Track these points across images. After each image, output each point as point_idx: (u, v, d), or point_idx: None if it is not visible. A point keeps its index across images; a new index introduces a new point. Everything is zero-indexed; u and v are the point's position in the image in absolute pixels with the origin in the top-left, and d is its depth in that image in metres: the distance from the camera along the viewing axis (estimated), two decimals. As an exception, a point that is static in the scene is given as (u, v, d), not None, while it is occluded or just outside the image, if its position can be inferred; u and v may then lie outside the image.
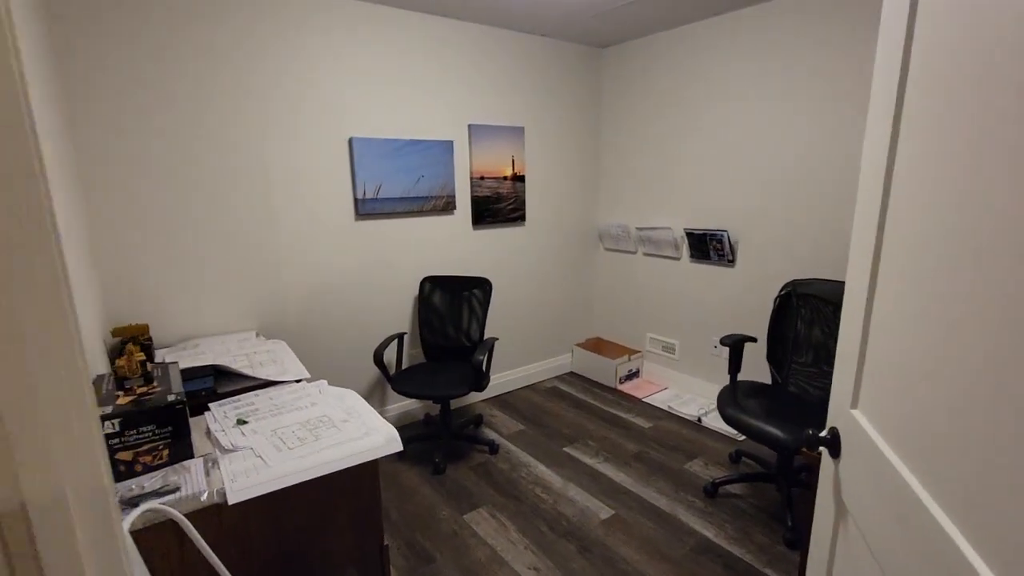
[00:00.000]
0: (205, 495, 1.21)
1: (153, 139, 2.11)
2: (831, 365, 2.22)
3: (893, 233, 0.83)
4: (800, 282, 2.34)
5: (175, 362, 1.67)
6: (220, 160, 2.26)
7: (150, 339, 1.99)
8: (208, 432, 1.53)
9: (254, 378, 1.89)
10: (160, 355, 2.07)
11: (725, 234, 2.95)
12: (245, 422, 1.56)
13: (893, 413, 0.81)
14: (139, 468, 1.28)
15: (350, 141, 2.59)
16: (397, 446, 1.48)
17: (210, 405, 1.68)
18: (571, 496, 2.36)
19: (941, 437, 0.67)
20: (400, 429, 3.01)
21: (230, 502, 1.22)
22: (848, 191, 2.47)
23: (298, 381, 1.90)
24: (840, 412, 1.00)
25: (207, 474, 1.29)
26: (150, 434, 1.29)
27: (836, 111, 2.46)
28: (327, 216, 2.59)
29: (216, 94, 2.21)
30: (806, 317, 2.32)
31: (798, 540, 2.02)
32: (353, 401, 1.71)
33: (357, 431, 1.50)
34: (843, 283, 2.20)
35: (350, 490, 1.46)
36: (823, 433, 1.05)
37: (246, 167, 2.33)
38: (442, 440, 2.68)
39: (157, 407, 1.29)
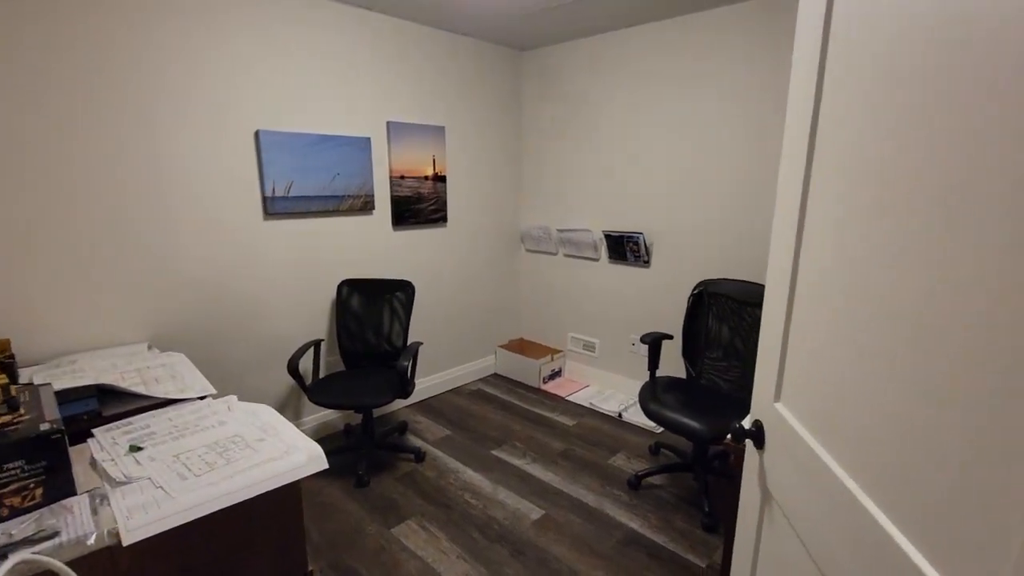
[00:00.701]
0: (93, 537, 1.05)
1: (16, 137, 1.80)
2: (740, 360, 2.39)
3: (810, 236, 0.89)
4: (711, 282, 2.50)
5: (47, 383, 1.44)
6: (101, 156, 1.99)
7: (12, 356, 1.70)
8: (94, 463, 1.33)
9: (148, 397, 1.68)
10: (27, 375, 1.77)
11: (641, 236, 3.09)
12: (140, 448, 1.38)
13: (814, 404, 0.87)
14: (5, 512, 1.08)
15: (256, 134, 2.39)
16: (322, 464, 1.38)
17: (95, 431, 1.47)
18: (501, 499, 2.34)
19: (859, 424, 0.72)
20: (318, 441, 2.82)
21: (125, 543, 1.06)
22: (757, 196, 2.67)
23: (202, 398, 1.71)
24: (764, 405, 1.07)
25: (95, 512, 1.12)
26: (18, 472, 1.09)
27: (746, 121, 2.65)
28: (232, 216, 2.37)
29: (95, 86, 1.94)
30: (717, 315, 2.48)
31: (715, 524, 2.15)
32: (268, 417, 1.57)
33: (276, 450, 1.37)
34: (751, 283, 2.38)
35: (270, 516, 1.34)
36: (748, 426, 1.11)
37: (133, 162, 2.07)
38: (365, 451, 2.55)
39: (25, 439, 1.10)
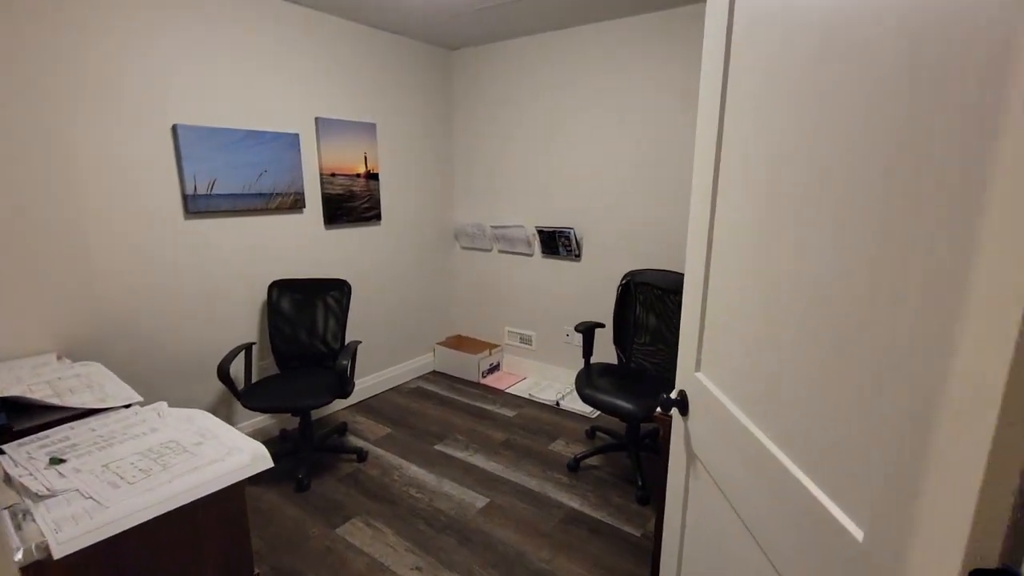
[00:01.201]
0: (20, 553, 0.99)
1: None
2: (665, 343, 2.58)
3: (720, 228, 1.01)
4: (636, 272, 2.67)
5: (-52, 398, 1.32)
6: (1, 152, 1.82)
7: None
8: (8, 478, 1.24)
9: (64, 408, 1.57)
10: (-87, 393, 1.60)
11: (572, 231, 3.22)
12: (61, 460, 1.30)
13: (728, 371, 0.99)
14: (-90, 537, 0.99)
15: (174, 128, 2.27)
16: (267, 462, 1.36)
17: (4, 447, 1.36)
18: (446, 491, 2.38)
19: (767, 387, 0.84)
20: (251, 450, 2.72)
21: (56, 556, 1.01)
22: (676, 191, 2.87)
23: (127, 406, 1.62)
24: (687, 376, 1.19)
25: (18, 528, 1.05)
26: (-76, 491, 1.01)
27: (669, 122, 2.84)
28: (150, 214, 2.24)
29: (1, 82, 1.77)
30: (643, 303, 2.66)
31: (648, 497, 2.31)
32: (204, 421, 1.52)
33: (216, 452, 1.34)
34: (672, 272, 2.57)
35: (213, 520, 1.30)
36: (674, 396, 1.24)
37: (41, 159, 1.91)
38: (303, 455, 2.50)
39: (-67, 456, 1.01)
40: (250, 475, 1.32)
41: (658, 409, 1.49)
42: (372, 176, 3.17)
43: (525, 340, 3.69)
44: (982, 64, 0.45)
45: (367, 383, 3.38)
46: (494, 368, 3.75)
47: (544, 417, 3.13)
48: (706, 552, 1.13)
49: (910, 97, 0.54)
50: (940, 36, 0.50)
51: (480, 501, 2.31)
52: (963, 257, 0.47)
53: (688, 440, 1.20)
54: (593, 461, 2.64)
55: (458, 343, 3.89)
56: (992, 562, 0.47)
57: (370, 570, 1.90)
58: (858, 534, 0.61)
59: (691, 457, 1.19)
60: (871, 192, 0.59)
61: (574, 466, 2.56)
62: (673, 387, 2.09)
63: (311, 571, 1.89)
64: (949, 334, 0.48)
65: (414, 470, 2.55)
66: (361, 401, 3.34)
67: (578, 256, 3.30)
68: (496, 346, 3.77)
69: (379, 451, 2.73)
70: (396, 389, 3.54)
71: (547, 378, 3.62)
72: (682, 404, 1.21)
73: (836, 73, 0.65)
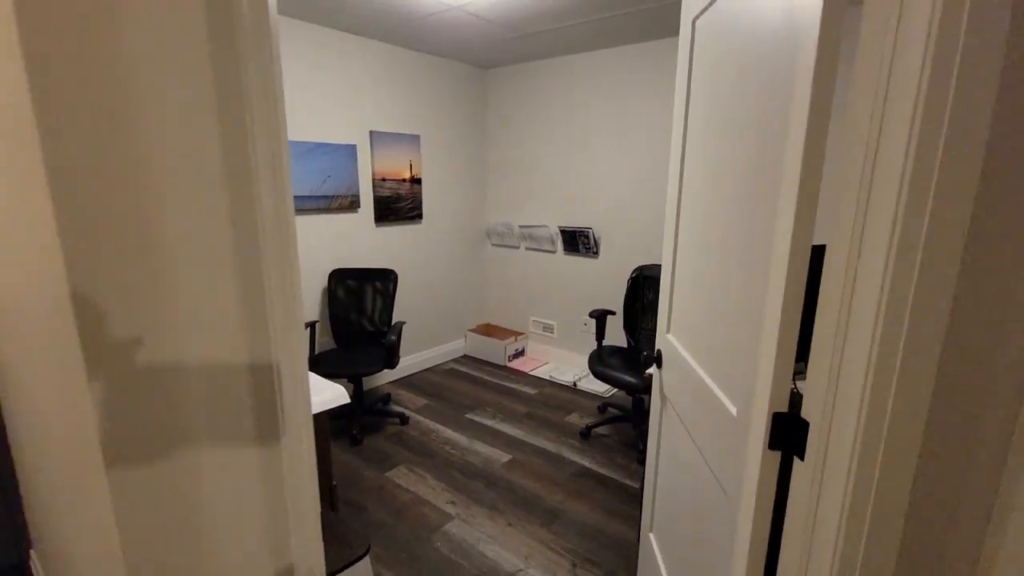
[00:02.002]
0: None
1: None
2: (667, 328, 2.95)
3: (684, 227, 1.41)
4: (645, 267, 3.05)
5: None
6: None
7: None
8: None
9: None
10: None
11: (591, 230, 3.62)
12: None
13: (685, 329, 1.39)
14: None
15: (260, 142, 2.76)
16: (345, 399, 1.81)
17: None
18: (476, 449, 2.81)
19: (700, 335, 1.23)
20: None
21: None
22: (677, 197, 3.24)
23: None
24: (662, 338, 1.59)
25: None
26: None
27: (667, 133, 3.21)
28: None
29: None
30: (649, 293, 3.03)
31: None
32: (295, 371, 1.99)
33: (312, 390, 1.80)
34: (674, 266, 2.94)
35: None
36: (654, 354, 1.63)
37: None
38: (357, 415, 2.97)
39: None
40: (333, 407, 1.78)
41: (648, 371, 1.88)
42: (416, 181, 3.63)
43: (547, 329, 4.10)
44: (781, 111, 0.85)
45: (407, 362, 3.84)
46: (519, 353, 4.17)
47: (562, 395, 3.53)
48: (667, 465, 1.52)
49: (759, 128, 0.93)
50: (771, 92, 0.90)
51: (504, 457, 2.73)
52: (772, 224, 0.86)
53: (662, 387, 1.59)
54: (602, 430, 3.03)
55: (487, 330, 4.33)
56: (784, 409, 0.87)
57: (414, 503, 2.34)
58: (733, 410, 1.01)
59: (664, 399, 1.58)
60: (745, 172, 0.99)
61: (586, 433, 2.95)
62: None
63: (368, 502, 2.34)
64: (765, 284, 0.88)
65: (448, 432, 2.99)
66: (402, 378, 3.80)
67: (596, 253, 3.69)
68: (521, 333, 4.19)
69: (419, 417, 3.18)
70: (432, 369, 4.00)
71: (566, 363, 4.02)
72: (658, 359, 1.60)
73: (735, 109, 1.05)
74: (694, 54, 1.33)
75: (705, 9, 1.25)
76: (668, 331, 1.54)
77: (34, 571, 1.81)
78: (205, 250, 0.76)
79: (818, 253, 0.80)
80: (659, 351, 1.61)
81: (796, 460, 0.87)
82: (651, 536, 1.70)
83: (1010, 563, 0.74)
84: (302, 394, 0.91)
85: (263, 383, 0.86)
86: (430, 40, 3.23)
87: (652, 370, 1.69)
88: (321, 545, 1.00)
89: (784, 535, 0.90)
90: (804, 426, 0.84)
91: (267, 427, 0.88)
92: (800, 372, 0.94)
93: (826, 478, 0.81)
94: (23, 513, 1.80)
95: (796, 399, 0.87)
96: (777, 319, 0.84)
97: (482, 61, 3.78)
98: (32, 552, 1.82)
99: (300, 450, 0.93)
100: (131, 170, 0.68)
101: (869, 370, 0.73)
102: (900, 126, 0.66)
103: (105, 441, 0.71)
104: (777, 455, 0.89)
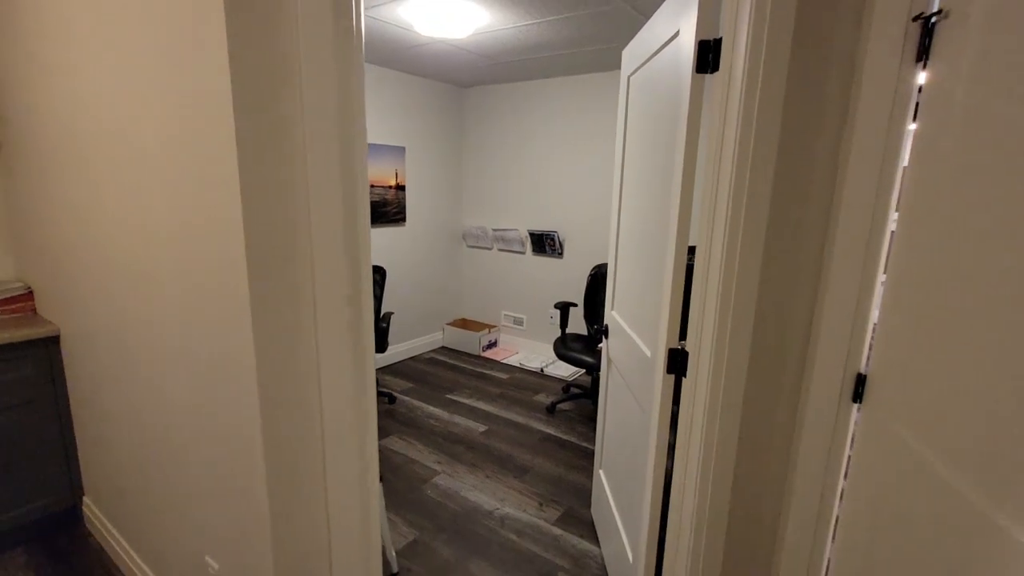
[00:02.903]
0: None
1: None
2: (621, 318, 3.45)
3: (622, 230, 1.89)
4: (602, 265, 3.54)
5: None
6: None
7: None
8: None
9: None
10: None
11: (556, 233, 4.10)
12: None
13: (623, 304, 1.86)
14: None
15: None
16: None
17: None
18: (456, 421, 3.24)
19: (637, 313, 1.71)
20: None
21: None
22: (630, 206, 3.76)
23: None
24: (608, 314, 2.06)
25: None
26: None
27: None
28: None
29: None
30: (605, 288, 3.53)
31: (603, 426, 3.17)
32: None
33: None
34: (626, 264, 3.44)
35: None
36: (603, 328, 2.10)
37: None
38: (350, 395, 3.35)
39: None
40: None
41: (600, 345, 2.35)
42: (400, 188, 4.04)
43: (518, 322, 4.56)
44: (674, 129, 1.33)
45: (391, 351, 4.23)
46: (492, 344, 4.61)
47: (531, 380, 3.99)
48: (612, 411, 1.99)
49: (663, 161, 1.41)
50: (667, 135, 1.38)
51: (481, 427, 3.17)
52: (668, 220, 1.34)
53: (608, 352, 2.06)
54: (566, 406, 3.50)
55: (463, 323, 4.75)
56: (676, 344, 1.35)
57: (406, 463, 2.75)
58: (648, 353, 1.49)
59: (610, 361, 2.06)
60: (662, 190, 1.47)
61: (551, 408, 3.42)
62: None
63: (366, 461, 2.73)
64: (663, 270, 1.36)
65: (432, 409, 3.41)
66: (387, 365, 4.19)
67: (561, 254, 4.18)
68: (494, 326, 4.63)
69: (405, 398, 3.58)
70: (414, 358, 4.40)
71: (535, 352, 4.49)
72: (606, 331, 2.08)
73: (650, 144, 1.53)
74: (629, 101, 1.82)
75: (636, 70, 1.73)
76: (612, 308, 2.02)
77: (86, 515, 2.14)
78: (328, 238, 1.18)
79: (692, 250, 1.29)
80: (606, 325, 2.08)
81: (683, 379, 1.35)
82: (600, 472, 2.17)
83: (813, 411, 1.23)
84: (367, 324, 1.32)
85: (355, 317, 1.27)
86: (416, 64, 3.65)
87: (602, 343, 2.16)
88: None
89: (679, 424, 1.37)
90: (686, 356, 1.32)
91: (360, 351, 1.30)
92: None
93: (698, 386, 1.29)
94: (79, 467, 2.13)
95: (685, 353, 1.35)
96: (670, 291, 1.31)
97: (461, 81, 4.22)
98: (85, 498, 2.15)
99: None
100: (287, 190, 1.10)
101: (716, 319, 1.21)
102: (726, 167, 1.15)
103: (258, 350, 1.12)
104: (671, 377, 1.37)
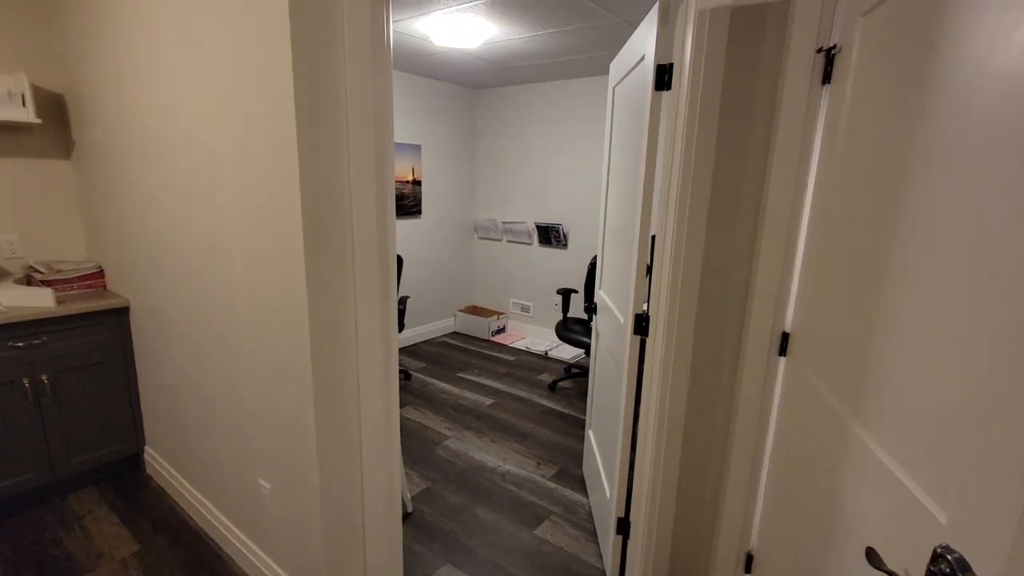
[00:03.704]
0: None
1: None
2: (618, 303, 3.74)
3: (608, 221, 2.18)
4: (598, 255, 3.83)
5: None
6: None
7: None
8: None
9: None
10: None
11: (561, 225, 4.39)
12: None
13: (609, 285, 2.16)
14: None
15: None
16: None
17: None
18: (465, 395, 3.56)
19: (616, 289, 2.01)
20: (330, 371, 3.92)
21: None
22: (629, 200, 4.04)
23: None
24: (597, 294, 2.36)
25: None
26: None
27: (622, 151, 4.01)
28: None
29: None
30: (605, 276, 3.82)
31: (599, 401, 3.47)
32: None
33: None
34: (623, 254, 3.73)
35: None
36: (592, 306, 2.40)
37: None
38: (369, 371, 3.69)
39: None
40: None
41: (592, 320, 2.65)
42: (417, 183, 4.36)
43: (524, 309, 4.87)
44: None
45: (406, 335, 4.57)
46: (501, 329, 4.93)
47: (535, 361, 4.30)
48: (599, 377, 2.29)
49: (634, 161, 1.71)
50: (636, 141, 1.67)
51: (488, 401, 3.49)
52: (634, 221, 1.64)
53: (596, 326, 2.36)
54: (566, 384, 3.81)
55: (474, 310, 5.07)
56: (640, 310, 1.65)
57: (420, 428, 3.08)
58: (622, 319, 1.78)
59: (598, 335, 2.36)
60: (634, 187, 1.76)
61: (552, 386, 3.72)
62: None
63: (384, 426, 3.07)
64: (633, 253, 1.65)
65: (443, 385, 3.74)
66: (403, 348, 4.53)
67: (565, 245, 4.47)
68: (502, 313, 4.95)
69: (419, 375, 3.92)
70: (427, 342, 4.73)
71: (540, 337, 4.80)
72: (595, 308, 2.38)
73: (627, 147, 1.83)
74: (614, 108, 2.11)
75: (618, 82, 2.02)
76: (600, 288, 2.32)
77: (147, 461, 2.50)
78: (366, 222, 1.49)
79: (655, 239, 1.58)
80: (595, 303, 2.38)
81: (647, 340, 1.64)
82: (589, 432, 2.48)
83: (749, 362, 1.53)
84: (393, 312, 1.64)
85: (383, 279, 1.59)
86: (432, 68, 3.97)
87: (594, 321, 2.46)
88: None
89: (643, 378, 1.67)
90: (648, 320, 1.62)
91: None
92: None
93: (655, 344, 1.58)
94: (142, 419, 2.49)
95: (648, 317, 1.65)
96: (634, 270, 1.61)
97: (473, 84, 4.53)
98: (146, 447, 2.51)
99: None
100: (337, 180, 1.41)
101: (671, 291, 1.50)
102: (676, 168, 1.44)
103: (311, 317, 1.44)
104: (638, 338, 1.66)
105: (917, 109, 0.88)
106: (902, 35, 0.95)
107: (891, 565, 0.85)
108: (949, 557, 0.71)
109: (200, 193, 1.68)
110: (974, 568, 0.68)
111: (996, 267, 0.67)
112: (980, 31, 0.73)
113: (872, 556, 0.83)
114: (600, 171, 4.16)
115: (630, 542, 1.77)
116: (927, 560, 0.77)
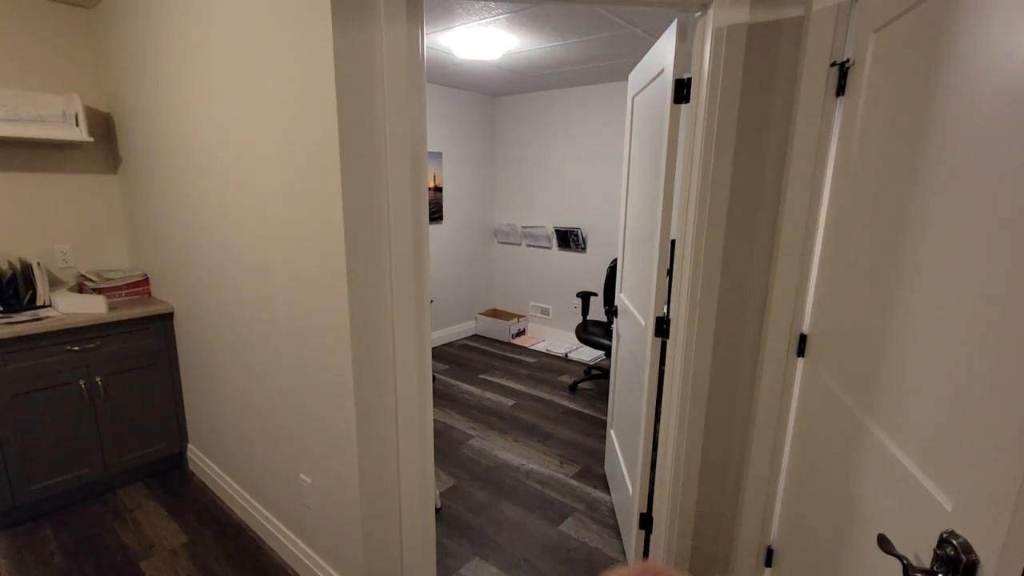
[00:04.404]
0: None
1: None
2: (637, 306, 3.80)
3: (628, 227, 2.25)
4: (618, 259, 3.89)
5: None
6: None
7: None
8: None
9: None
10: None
11: (580, 230, 4.46)
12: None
13: (629, 289, 2.22)
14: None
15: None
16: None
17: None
18: (488, 396, 3.65)
19: (637, 293, 2.07)
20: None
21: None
22: (647, 204, 4.09)
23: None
24: (618, 297, 2.43)
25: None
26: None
27: (639, 156, 4.06)
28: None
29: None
30: (624, 279, 3.88)
31: (619, 402, 3.53)
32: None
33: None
34: (642, 257, 3.78)
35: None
36: (613, 309, 2.47)
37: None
38: (394, 373, 3.80)
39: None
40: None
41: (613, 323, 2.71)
42: (438, 189, 4.47)
43: (544, 312, 4.94)
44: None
45: (429, 337, 4.68)
46: (521, 332, 5.01)
47: (556, 363, 4.37)
48: (620, 378, 2.36)
49: (655, 169, 1.78)
50: (657, 149, 1.74)
51: (510, 402, 3.57)
52: (655, 227, 1.71)
53: (617, 328, 2.43)
54: (587, 385, 3.87)
55: (494, 313, 5.17)
56: (661, 313, 1.71)
57: (445, 429, 3.17)
58: (643, 322, 1.85)
59: (618, 336, 2.42)
60: (654, 194, 1.83)
61: (573, 387, 3.79)
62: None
63: (410, 426, 3.17)
64: (654, 257, 1.72)
65: (466, 387, 3.83)
66: (425, 349, 4.64)
67: (584, 249, 4.54)
68: (523, 316, 5.03)
69: (442, 377, 4.02)
70: (448, 345, 4.84)
71: (560, 339, 4.87)
72: (615, 312, 2.45)
73: (646, 155, 1.90)
74: (633, 118, 2.18)
75: (638, 93, 2.09)
76: (621, 292, 2.38)
77: (190, 459, 2.64)
78: (402, 234, 1.59)
79: (674, 243, 1.65)
80: (616, 306, 2.45)
81: (668, 342, 1.71)
82: (611, 431, 2.54)
83: (768, 363, 1.59)
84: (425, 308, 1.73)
85: (418, 286, 1.68)
86: (452, 78, 4.07)
87: (615, 323, 2.53)
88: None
89: (664, 378, 1.74)
90: (669, 322, 1.68)
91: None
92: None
93: (677, 346, 1.65)
94: (185, 419, 2.63)
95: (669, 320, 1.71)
96: (655, 274, 1.68)
97: (492, 91, 4.62)
98: (189, 445, 2.65)
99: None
100: (377, 192, 1.51)
101: (691, 294, 1.57)
102: (695, 177, 1.51)
103: (353, 319, 1.54)
104: (659, 340, 1.73)
105: (926, 120, 0.94)
106: (912, 51, 1.01)
107: (901, 550, 0.91)
108: (954, 542, 0.77)
109: (242, 206, 1.79)
110: (976, 550, 0.74)
111: (998, 269, 0.73)
112: (984, 48, 0.79)
113: (883, 542, 0.89)
114: (618, 174, 4.23)
115: (652, 536, 1.83)
116: (934, 544, 0.83)
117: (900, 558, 0.84)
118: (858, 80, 1.27)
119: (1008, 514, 0.69)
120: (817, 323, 1.42)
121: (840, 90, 1.36)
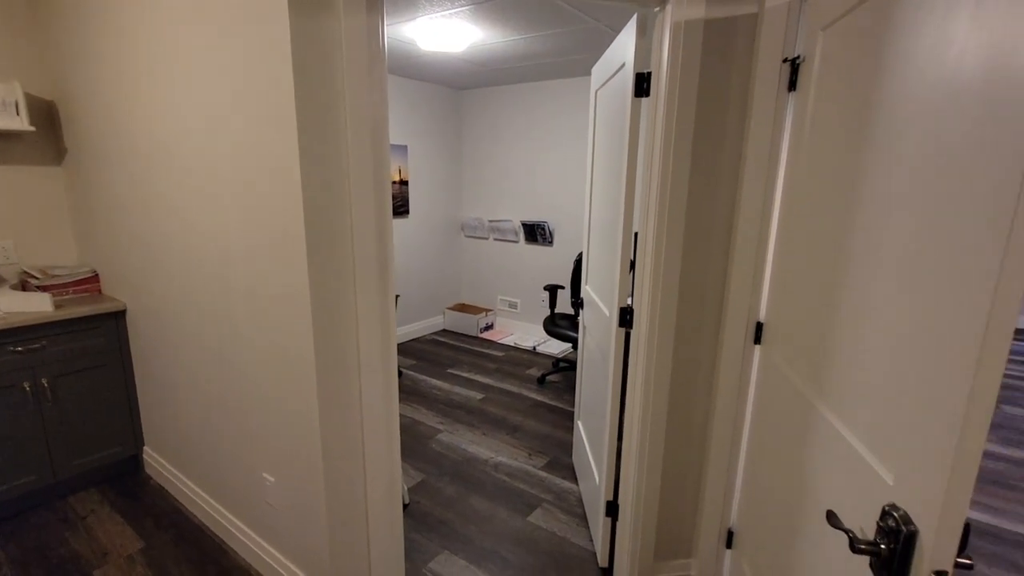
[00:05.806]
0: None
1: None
2: (604, 298, 3.85)
3: (592, 219, 2.27)
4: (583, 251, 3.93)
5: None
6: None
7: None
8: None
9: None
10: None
11: (547, 223, 4.49)
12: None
13: (594, 282, 2.25)
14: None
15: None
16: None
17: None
18: (456, 391, 3.64)
19: (601, 284, 2.10)
20: (322, 370, 3.96)
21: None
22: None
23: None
24: (583, 289, 2.45)
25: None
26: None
27: (605, 150, 4.11)
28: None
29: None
30: (591, 272, 3.92)
31: (587, 394, 3.57)
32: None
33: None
34: (608, 250, 3.83)
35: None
36: (579, 301, 2.49)
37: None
38: (361, 369, 3.75)
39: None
40: (364, 342, 2.57)
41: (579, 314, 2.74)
42: (404, 183, 4.42)
43: (512, 305, 4.95)
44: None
45: (396, 332, 4.63)
46: (489, 326, 5.01)
47: (524, 357, 4.40)
48: (586, 369, 2.39)
49: (617, 162, 1.80)
50: (619, 143, 1.77)
51: (479, 396, 3.57)
52: (618, 219, 1.73)
53: (583, 319, 2.46)
54: (555, 378, 3.91)
55: (462, 307, 5.15)
56: (624, 303, 1.74)
57: (413, 424, 3.15)
58: (607, 312, 1.88)
59: (584, 329, 2.45)
60: (617, 187, 1.86)
61: (541, 380, 3.82)
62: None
63: (378, 423, 3.14)
64: (617, 250, 1.75)
65: (434, 381, 3.81)
66: (392, 345, 4.59)
67: (551, 242, 4.56)
68: (490, 310, 5.03)
69: (410, 372, 3.99)
70: (416, 340, 4.80)
71: (528, 333, 4.89)
72: (581, 303, 2.48)
73: (609, 149, 1.92)
74: (597, 111, 2.20)
75: (600, 87, 2.11)
76: (586, 283, 2.41)
77: (147, 461, 2.54)
78: (365, 226, 1.56)
79: (636, 236, 1.68)
80: (582, 298, 2.48)
81: (631, 332, 1.74)
82: (579, 423, 2.58)
83: (727, 350, 1.63)
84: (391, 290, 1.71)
85: (382, 270, 1.66)
86: (417, 70, 4.02)
87: (581, 315, 2.56)
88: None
89: (628, 368, 1.77)
90: (632, 312, 1.72)
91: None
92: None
93: (639, 335, 1.68)
94: (140, 421, 2.53)
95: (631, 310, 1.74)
96: (619, 266, 1.71)
97: (458, 85, 4.59)
98: (145, 448, 2.55)
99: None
100: (338, 180, 1.48)
101: (653, 284, 1.60)
102: (656, 170, 1.54)
103: (313, 303, 1.50)
104: (623, 330, 1.76)
105: (869, 115, 0.98)
106: (857, 47, 1.05)
107: (848, 524, 0.96)
108: (895, 514, 0.82)
109: (201, 195, 1.73)
110: (915, 521, 0.79)
111: (931, 259, 0.77)
112: (921, 45, 0.84)
113: (831, 517, 0.94)
114: (583, 169, 4.27)
115: (619, 523, 1.87)
116: (877, 517, 0.87)
117: (846, 531, 0.89)
118: (808, 76, 1.31)
119: (943, 487, 0.73)
120: (772, 311, 1.48)
121: (792, 85, 1.41)
